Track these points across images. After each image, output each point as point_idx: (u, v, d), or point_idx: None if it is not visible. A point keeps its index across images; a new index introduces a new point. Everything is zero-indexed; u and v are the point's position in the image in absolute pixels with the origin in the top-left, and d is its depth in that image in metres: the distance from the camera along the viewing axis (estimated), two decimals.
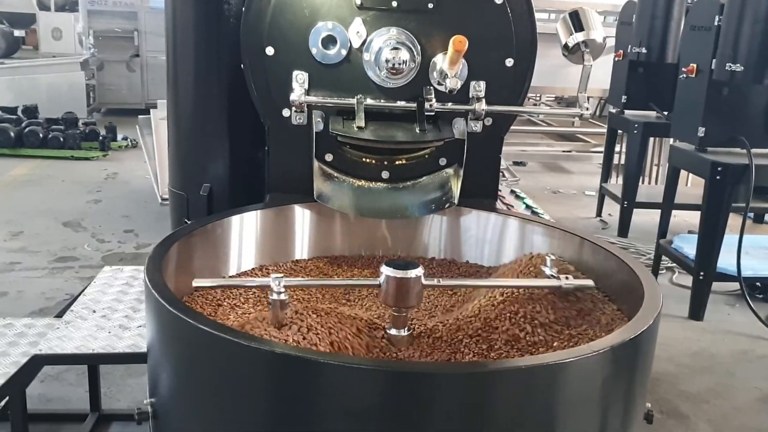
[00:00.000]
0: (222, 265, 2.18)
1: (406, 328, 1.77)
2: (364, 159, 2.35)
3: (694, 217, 5.46)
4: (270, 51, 2.26)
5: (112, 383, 3.30)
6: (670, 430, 3.23)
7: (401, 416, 1.39)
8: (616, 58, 6.00)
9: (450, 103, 2.26)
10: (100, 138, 8.32)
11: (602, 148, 6.94)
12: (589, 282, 1.91)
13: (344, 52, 2.25)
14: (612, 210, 6.41)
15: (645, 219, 6.06)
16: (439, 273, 2.33)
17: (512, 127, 2.51)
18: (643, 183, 6.55)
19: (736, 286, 4.44)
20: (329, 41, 2.24)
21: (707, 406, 3.45)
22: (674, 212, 5.15)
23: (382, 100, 2.27)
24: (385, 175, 2.36)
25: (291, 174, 2.35)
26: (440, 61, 2.22)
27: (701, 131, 4.25)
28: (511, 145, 7.97)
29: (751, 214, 5.82)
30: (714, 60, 4.06)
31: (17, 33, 15.02)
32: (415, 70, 2.24)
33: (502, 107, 2.31)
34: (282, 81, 2.26)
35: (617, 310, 1.92)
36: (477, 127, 2.33)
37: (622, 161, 6.66)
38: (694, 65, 4.29)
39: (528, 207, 4.78)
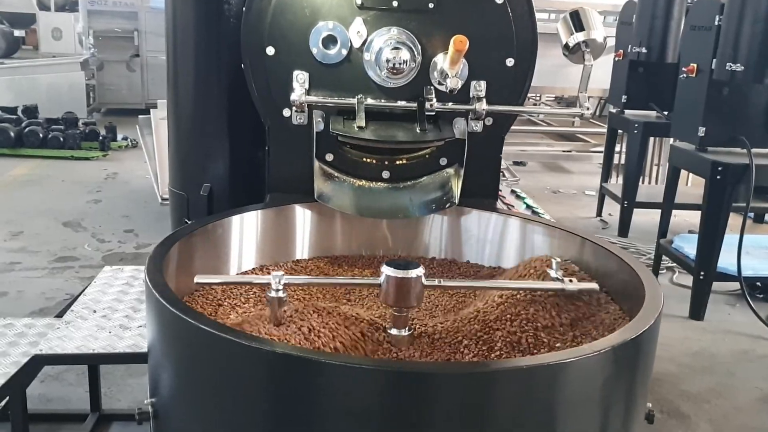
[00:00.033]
0: (222, 265, 2.18)
1: (406, 328, 1.77)
2: (364, 159, 2.35)
3: (694, 217, 5.46)
4: (270, 51, 2.26)
5: (112, 383, 3.30)
6: (671, 430, 3.23)
7: (401, 416, 1.39)
8: (617, 58, 6.00)
9: (450, 103, 2.26)
10: (100, 138, 8.32)
11: (602, 148, 6.94)
12: (594, 285, 1.89)
13: (345, 52, 2.25)
14: (612, 210, 6.41)
15: (645, 219, 6.06)
16: (440, 273, 2.33)
17: (512, 127, 2.51)
18: (643, 183, 6.55)
19: (736, 285, 4.44)
20: (330, 41, 2.24)
21: (708, 406, 3.45)
22: (674, 212, 5.15)
23: (382, 100, 2.26)
24: (385, 174, 2.36)
25: (291, 174, 2.35)
26: (441, 60, 2.22)
27: (701, 131, 4.26)
28: (511, 145, 7.96)
29: (752, 214, 5.81)
30: (714, 60, 4.06)
31: (17, 33, 15.02)
32: (415, 69, 2.23)
33: (503, 107, 2.31)
34: (282, 81, 2.25)
35: (620, 310, 1.91)
36: (477, 126, 2.33)
37: (622, 161, 6.66)
38: (695, 65, 4.30)
39: (528, 207, 4.77)
